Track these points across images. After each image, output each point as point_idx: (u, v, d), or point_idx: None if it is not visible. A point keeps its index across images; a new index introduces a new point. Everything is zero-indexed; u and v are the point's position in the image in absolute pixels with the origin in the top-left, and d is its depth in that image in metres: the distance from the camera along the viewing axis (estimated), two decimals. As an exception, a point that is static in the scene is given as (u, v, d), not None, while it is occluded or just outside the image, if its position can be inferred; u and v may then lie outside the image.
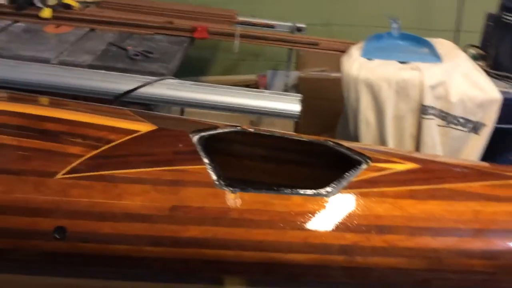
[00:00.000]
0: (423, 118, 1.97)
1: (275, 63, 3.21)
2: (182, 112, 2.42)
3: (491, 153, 2.03)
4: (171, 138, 1.34)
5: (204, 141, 1.30)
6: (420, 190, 1.23)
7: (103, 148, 1.26)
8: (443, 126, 1.98)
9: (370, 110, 2.01)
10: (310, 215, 1.17)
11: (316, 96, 2.57)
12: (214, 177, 1.21)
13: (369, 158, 1.30)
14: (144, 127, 1.34)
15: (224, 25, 2.67)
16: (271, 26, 2.81)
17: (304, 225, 1.16)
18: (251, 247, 1.15)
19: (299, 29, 2.82)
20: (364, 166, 1.28)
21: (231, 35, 2.52)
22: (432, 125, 1.97)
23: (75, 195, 1.17)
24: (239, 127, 1.41)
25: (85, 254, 1.17)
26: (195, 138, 1.31)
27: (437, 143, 1.99)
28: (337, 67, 2.17)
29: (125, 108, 1.61)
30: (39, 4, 2.48)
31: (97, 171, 1.21)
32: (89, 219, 1.16)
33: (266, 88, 2.93)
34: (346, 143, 1.38)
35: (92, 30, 2.47)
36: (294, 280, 1.19)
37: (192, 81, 2.04)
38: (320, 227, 1.16)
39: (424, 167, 1.33)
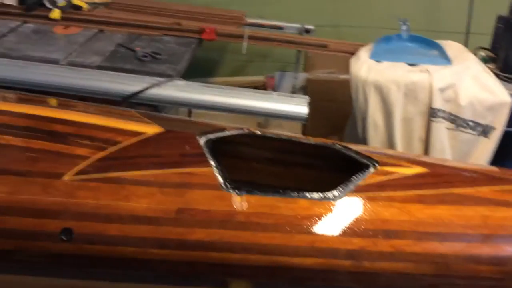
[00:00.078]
0: (432, 121, 1.95)
1: (283, 64, 3.21)
2: (189, 114, 2.42)
3: (500, 157, 2.01)
4: (178, 140, 1.33)
5: (211, 144, 1.30)
6: (428, 195, 1.22)
7: (110, 150, 1.26)
8: (452, 129, 1.97)
9: (378, 112, 2.00)
10: (316, 219, 1.16)
11: (324, 98, 2.57)
12: (220, 179, 1.21)
13: (377, 161, 1.29)
14: (151, 129, 1.34)
15: (232, 27, 2.67)
16: (280, 28, 2.80)
17: (311, 229, 1.16)
18: (257, 251, 1.15)
19: (307, 31, 2.80)
20: (371, 169, 1.27)
21: (240, 36, 2.51)
22: (441, 128, 1.96)
23: (82, 196, 1.17)
24: (246, 129, 1.41)
25: (91, 256, 1.17)
26: (202, 140, 1.30)
27: (446, 146, 1.97)
28: (346, 69, 2.16)
29: (133, 109, 1.61)
30: (48, 5, 2.49)
31: (104, 173, 1.21)
32: (95, 221, 1.16)
33: (274, 90, 2.92)
34: (353, 146, 1.37)
35: (101, 31, 2.47)
36: (300, 284, 1.19)
37: (200, 82, 2.04)
38: (327, 231, 1.16)
39: (432, 171, 1.31)
